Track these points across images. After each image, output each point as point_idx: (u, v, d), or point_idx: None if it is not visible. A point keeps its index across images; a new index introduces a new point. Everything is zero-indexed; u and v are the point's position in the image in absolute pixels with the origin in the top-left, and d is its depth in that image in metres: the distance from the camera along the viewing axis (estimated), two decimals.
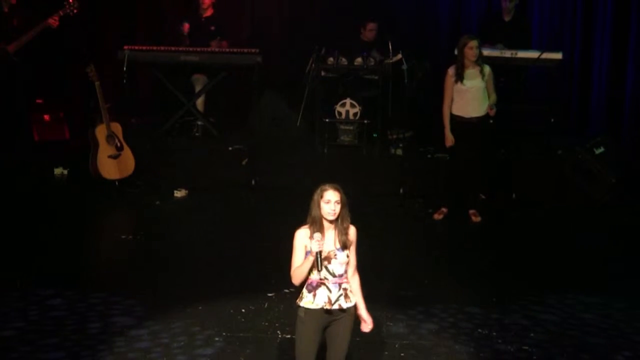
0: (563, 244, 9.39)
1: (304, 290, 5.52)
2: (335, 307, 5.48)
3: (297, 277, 5.48)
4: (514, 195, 10.60)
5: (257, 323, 7.14)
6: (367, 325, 5.66)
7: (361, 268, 5.68)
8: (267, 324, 7.13)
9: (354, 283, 5.61)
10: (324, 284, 5.48)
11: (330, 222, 5.47)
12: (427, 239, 9.46)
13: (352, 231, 5.55)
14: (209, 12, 11.79)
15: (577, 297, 7.82)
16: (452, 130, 9.68)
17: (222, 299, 7.52)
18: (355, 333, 5.63)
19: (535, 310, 7.54)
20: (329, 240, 5.49)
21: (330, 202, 5.44)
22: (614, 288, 8.05)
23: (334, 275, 5.48)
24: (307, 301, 5.50)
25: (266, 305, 7.47)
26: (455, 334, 7.08)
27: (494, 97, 9.62)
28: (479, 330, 7.14)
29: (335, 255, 5.47)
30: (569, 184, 10.66)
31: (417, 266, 8.52)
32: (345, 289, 5.51)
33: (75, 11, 10.90)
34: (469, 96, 9.59)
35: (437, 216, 9.95)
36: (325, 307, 5.46)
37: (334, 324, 5.52)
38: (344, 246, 5.49)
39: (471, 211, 9.92)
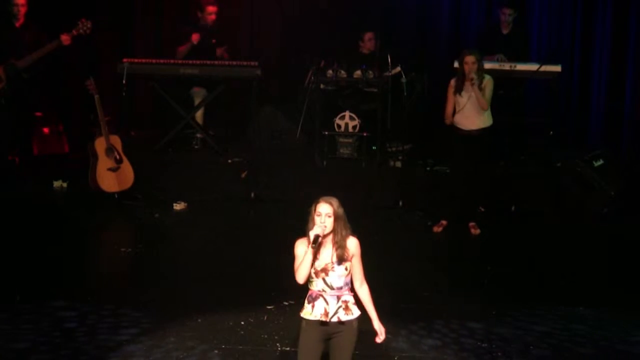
0: (562, 256, 9.37)
1: (305, 301, 5.53)
2: (334, 319, 5.46)
3: (300, 273, 5.43)
4: (513, 208, 10.59)
5: (256, 336, 7.11)
6: (378, 337, 5.62)
7: None
8: (266, 336, 7.11)
9: (362, 293, 5.59)
10: (322, 295, 5.47)
11: (326, 235, 5.46)
12: (426, 252, 9.45)
13: (352, 243, 5.51)
14: (213, 21, 11.71)
15: (580, 311, 7.80)
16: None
17: (222, 312, 7.51)
18: (355, 346, 5.60)
19: (536, 324, 7.51)
20: (326, 253, 5.47)
21: (320, 214, 5.42)
22: (613, 301, 8.04)
23: (331, 288, 5.47)
24: (306, 312, 5.51)
25: (265, 317, 7.45)
26: (457, 348, 7.04)
27: (483, 102, 9.59)
28: (479, 343, 7.11)
29: (333, 267, 5.46)
30: (568, 196, 10.66)
31: (416, 279, 8.51)
32: (345, 302, 5.49)
33: (88, 32, 10.70)
34: (465, 108, 9.63)
35: (437, 229, 9.95)
36: (321, 319, 5.46)
37: (336, 336, 5.50)
38: (341, 259, 5.47)
39: (470, 224, 9.92)
